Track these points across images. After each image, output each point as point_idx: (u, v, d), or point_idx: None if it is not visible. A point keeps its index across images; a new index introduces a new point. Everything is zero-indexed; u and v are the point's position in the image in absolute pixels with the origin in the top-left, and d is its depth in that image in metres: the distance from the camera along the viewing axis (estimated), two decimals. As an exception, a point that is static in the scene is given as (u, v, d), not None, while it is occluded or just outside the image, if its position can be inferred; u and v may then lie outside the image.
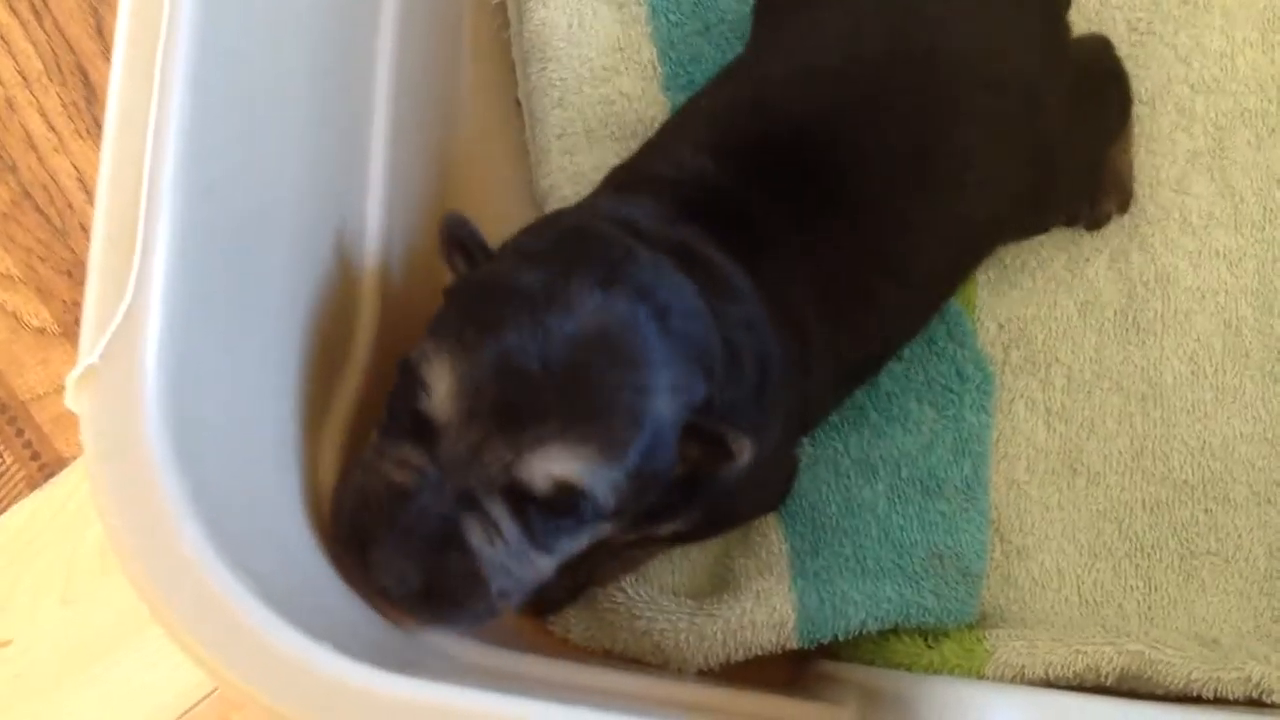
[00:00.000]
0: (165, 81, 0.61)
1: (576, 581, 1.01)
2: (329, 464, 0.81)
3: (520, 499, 0.73)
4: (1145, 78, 1.16)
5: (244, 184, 0.69)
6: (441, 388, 0.71)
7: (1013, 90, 0.97)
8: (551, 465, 0.71)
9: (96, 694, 1.07)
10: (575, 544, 0.78)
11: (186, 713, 1.07)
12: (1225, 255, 1.13)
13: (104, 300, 0.58)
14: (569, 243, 0.78)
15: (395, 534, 0.72)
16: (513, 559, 0.75)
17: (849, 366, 0.97)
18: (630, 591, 1.01)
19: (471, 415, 0.71)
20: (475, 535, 0.73)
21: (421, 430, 0.72)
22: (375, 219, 0.92)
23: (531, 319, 0.71)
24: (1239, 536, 1.08)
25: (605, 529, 0.78)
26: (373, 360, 0.88)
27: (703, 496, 0.85)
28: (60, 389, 1.15)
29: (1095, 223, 1.12)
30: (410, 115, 0.99)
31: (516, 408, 0.70)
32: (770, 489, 1.01)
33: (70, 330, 1.15)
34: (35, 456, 1.13)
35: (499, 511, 0.73)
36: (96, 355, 0.57)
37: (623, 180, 0.95)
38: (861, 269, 0.93)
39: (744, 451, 0.75)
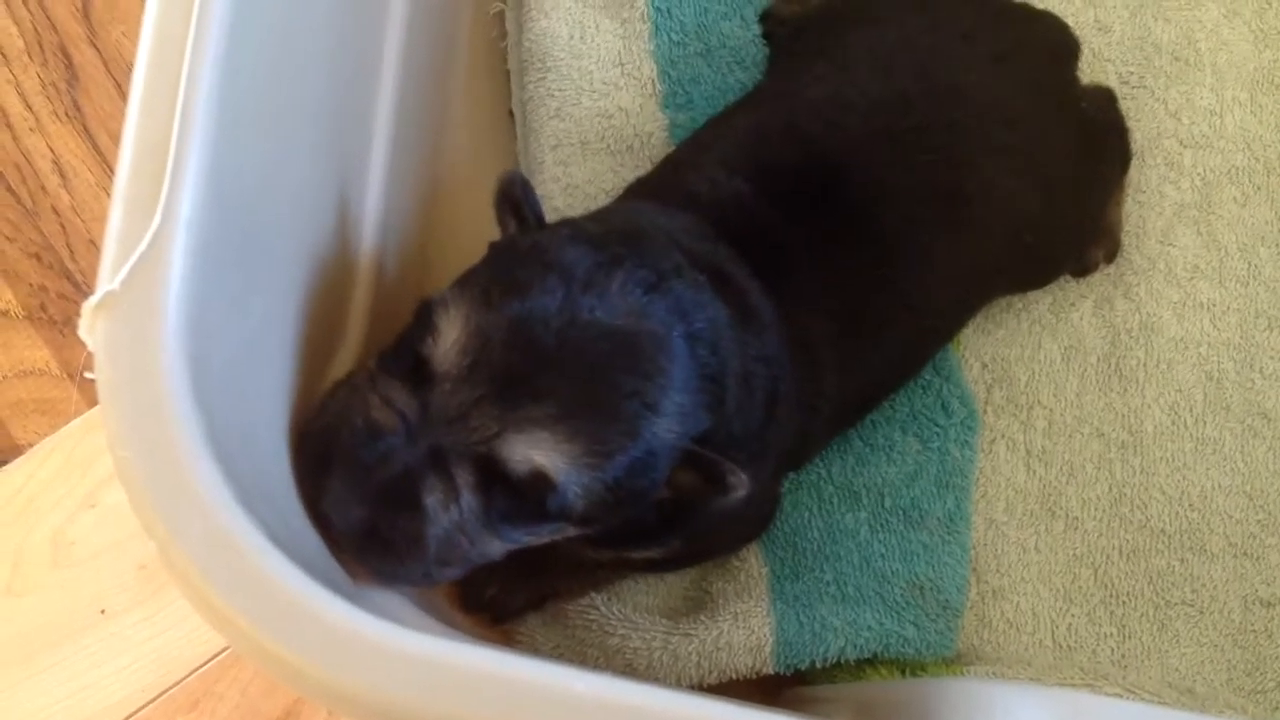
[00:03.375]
0: (203, 12, 0.59)
1: (539, 592, 0.99)
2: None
3: (491, 474, 0.70)
4: (1135, 130, 1.17)
5: (266, 137, 0.67)
6: (450, 336, 0.69)
7: (1028, 133, 0.97)
8: (534, 451, 0.68)
9: (39, 688, 1.02)
10: (530, 537, 0.75)
11: (133, 715, 1.02)
12: (1209, 308, 1.14)
13: (128, 226, 0.56)
14: (626, 237, 0.76)
15: (355, 469, 0.69)
16: (462, 531, 0.72)
17: (852, 403, 0.97)
18: (603, 608, 0.99)
19: (471, 373, 0.68)
20: (432, 496, 0.70)
21: (418, 374, 0.70)
22: (373, 209, 0.90)
23: (565, 293, 0.68)
24: (1214, 588, 1.08)
25: (568, 530, 0.75)
26: (364, 349, 0.86)
27: (683, 526, 0.83)
28: (21, 374, 1.11)
29: (1083, 270, 1.13)
30: (411, 113, 0.99)
31: (519, 379, 0.68)
32: (752, 523, 0.99)
33: (35, 315, 1.11)
34: (-13, 441, 1.08)
35: (464, 480, 0.70)
36: (117, 282, 0.55)
37: (653, 192, 0.93)
38: (881, 303, 0.92)
39: (740, 486, 0.72)
